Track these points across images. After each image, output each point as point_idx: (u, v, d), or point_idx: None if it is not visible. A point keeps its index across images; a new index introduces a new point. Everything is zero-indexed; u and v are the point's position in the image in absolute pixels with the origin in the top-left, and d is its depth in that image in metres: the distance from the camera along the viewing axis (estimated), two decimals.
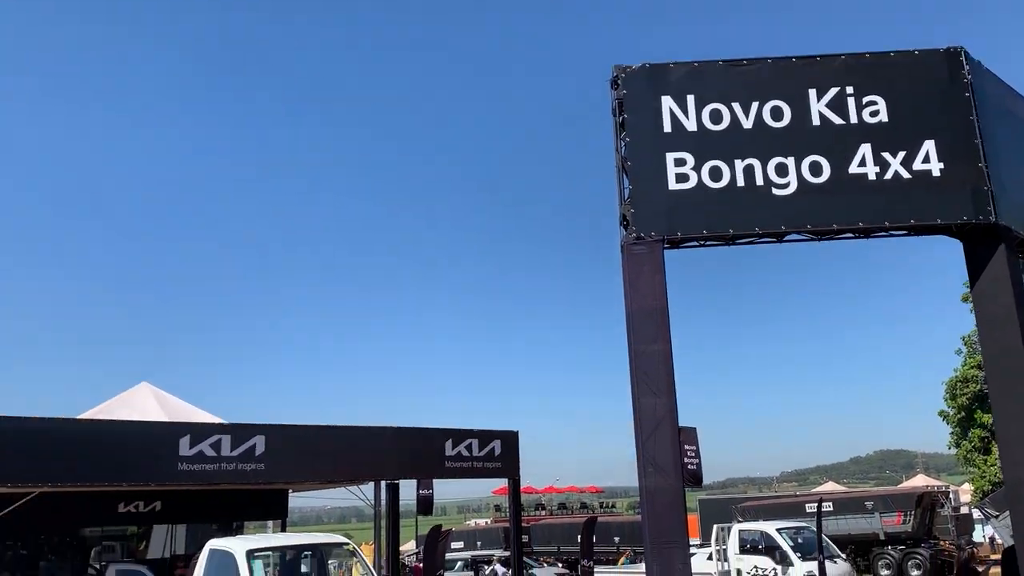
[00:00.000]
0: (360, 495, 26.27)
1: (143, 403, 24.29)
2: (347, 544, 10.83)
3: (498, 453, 27.68)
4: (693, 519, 46.52)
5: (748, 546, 16.55)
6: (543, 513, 54.51)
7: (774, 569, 15.81)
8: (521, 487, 49.29)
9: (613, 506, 59.03)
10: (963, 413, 39.86)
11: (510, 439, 28.20)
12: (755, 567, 16.06)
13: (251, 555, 9.75)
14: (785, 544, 15.76)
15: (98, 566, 24.25)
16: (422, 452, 26.25)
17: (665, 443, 7.48)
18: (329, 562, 11.59)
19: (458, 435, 27.00)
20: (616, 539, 42.80)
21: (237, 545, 9.86)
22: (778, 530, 16.31)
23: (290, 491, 27.30)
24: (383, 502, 26.18)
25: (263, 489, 24.88)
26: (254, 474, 22.55)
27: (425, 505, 32.02)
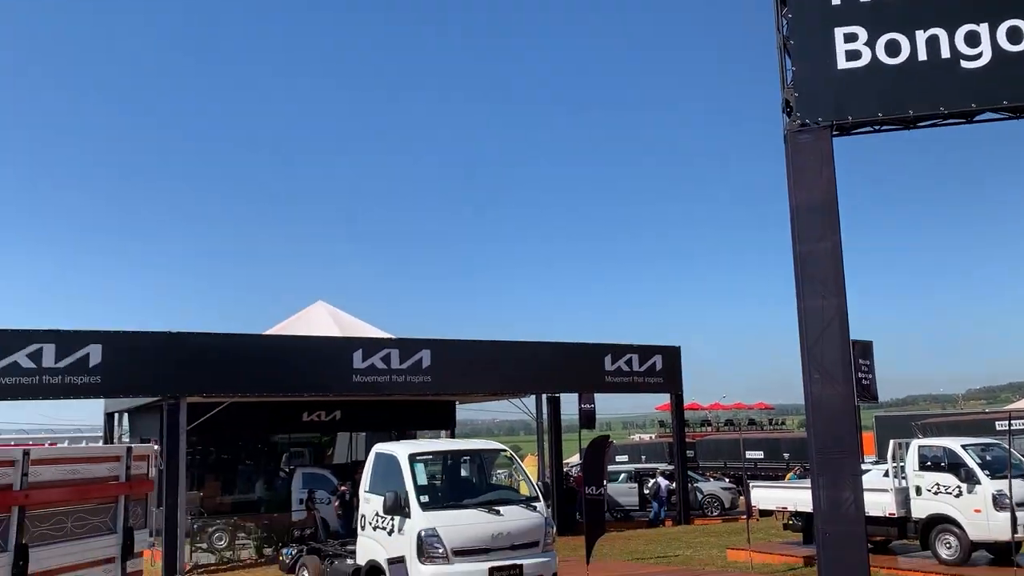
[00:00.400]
0: (523, 407, 26.79)
1: (319, 320, 25.53)
2: (505, 451, 10.87)
3: (659, 368, 27.34)
4: (868, 437, 44.39)
5: (929, 463, 15.41)
6: (709, 430, 53.91)
7: (958, 487, 14.67)
8: (686, 404, 48.70)
9: (783, 423, 57.56)
10: None
11: (671, 354, 27.76)
12: (936, 484, 14.98)
13: (413, 458, 9.96)
14: (971, 461, 14.55)
15: (288, 470, 26.08)
16: (582, 367, 26.35)
17: (834, 347, 6.78)
18: (495, 471, 11.71)
19: (618, 350, 26.87)
20: (786, 455, 41.73)
21: (400, 449, 10.08)
22: (964, 446, 15.07)
23: (456, 403, 28.17)
24: (544, 415, 26.62)
25: (431, 400, 25.80)
26: (421, 385, 23.51)
27: (587, 419, 32.15)
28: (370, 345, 22.99)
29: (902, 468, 15.97)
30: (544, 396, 26.03)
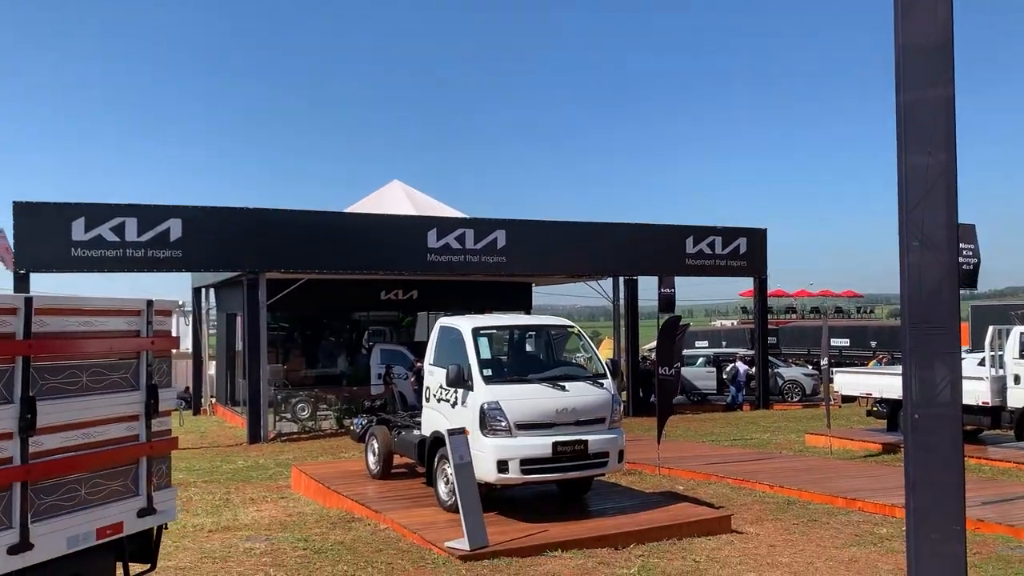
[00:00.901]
0: (600, 290, 26.29)
1: (394, 199, 25.27)
2: (572, 328, 10.41)
3: (743, 251, 26.29)
4: (963, 327, 42.61)
5: None
6: (792, 317, 52.60)
7: None
8: (770, 290, 47.58)
9: (871, 311, 55.69)
10: None
11: (756, 237, 26.61)
12: None
13: (477, 332, 9.61)
14: None
15: (368, 346, 26.52)
16: (662, 249, 25.53)
17: (938, 211, 5.90)
18: (562, 350, 11.30)
19: (700, 232, 25.87)
20: (872, 343, 40.49)
21: (464, 323, 9.73)
22: None
23: (533, 285, 27.86)
24: (622, 298, 26.07)
25: (507, 281, 25.52)
26: (496, 266, 23.19)
27: (667, 303, 31.46)
28: (444, 224, 22.65)
29: (999, 357, 14.96)
30: (621, 279, 25.43)
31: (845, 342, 41.71)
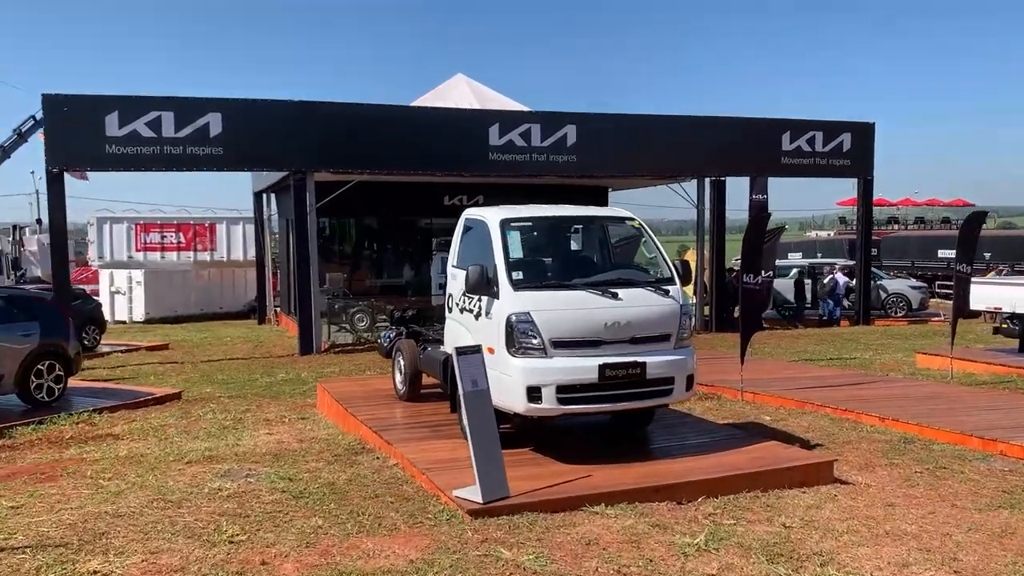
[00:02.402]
0: (684, 195, 23.59)
1: (458, 94, 22.97)
2: (630, 219, 8.13)
3: (847, 149, 23.08)
4: None
5: None
6: (896, 227, 48.38)
7: None
8: (873, 197, 43.31)
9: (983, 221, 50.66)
10: None
11: (863, 133, 23.26)
12: None
13: (507, 224, 7.51)
14: None
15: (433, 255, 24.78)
16: (754, 146, 22.52)
17: None
18: (626, 254, 9.04)
19: (798, 127, 22.69)
20: (986, 255, 36.47)
21: (491, 214, 7.63)
22: None
23: (609, 190, 25.37)
24: (707, 203, 23.33)
25: (581, 185, 23.06)
26: (565, 166, 20.75)
27: (758, 210, 28.48)
28: (508, 119, 20.28)
29: None
30: (707, 180, 22.66)
31: (954, 254, 37.70)
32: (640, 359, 7.16)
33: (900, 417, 9.39)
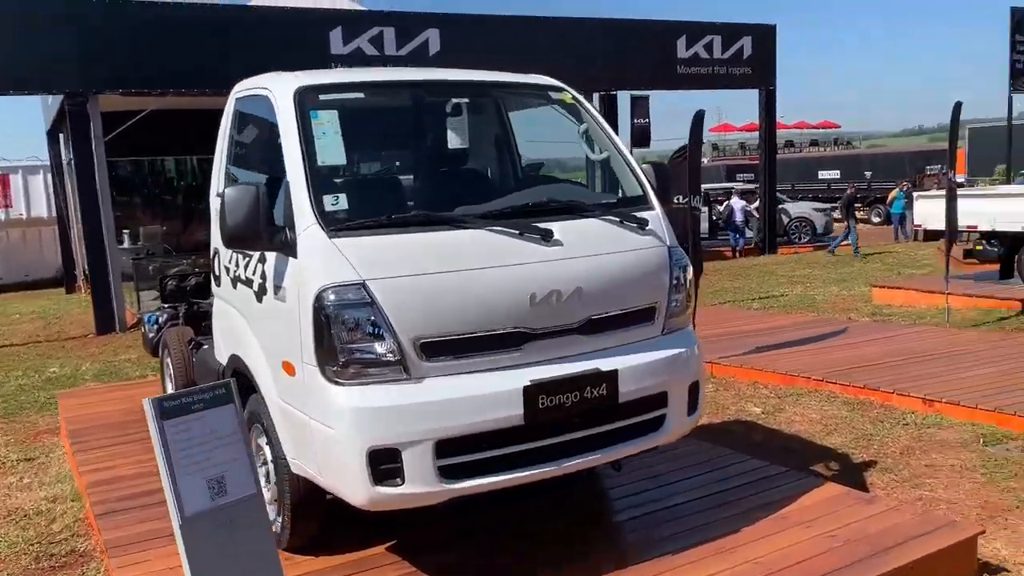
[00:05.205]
0: (566, 114, 19.87)
1: None
2: (558, 91, 4.25)
3: (748, 55, 19.90)
4: (959, 153, 37.13)
5: None
6: (791, 150, 46.23)
7: None
8: (741, 124, 40.74)
9: (849, 143, 49.71)
10: None
11: (764, 36, 20.12)
12: None
13: (310, 100, 3.44)
14: None
15: None
16: (647, 54, 18.97)
17: None
18: (563, 159, 5.14)
19: (694, 30, 19.30)
20: (867, 174, 34.83)
21: (281, 84, 3.41)
22: None
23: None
24: None
25: None
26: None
27: (641, 136, 25.02)
28: (353, 20, 15.83)
29: None
30: (596, 95, 18.97)
31: (835, 174, 36.01)
32: (605, 364, 3.37)
33: (953, 397, 6.07)
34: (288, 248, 3.28)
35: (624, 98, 20.46)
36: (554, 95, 4.22)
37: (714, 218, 23.42)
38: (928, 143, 58.13)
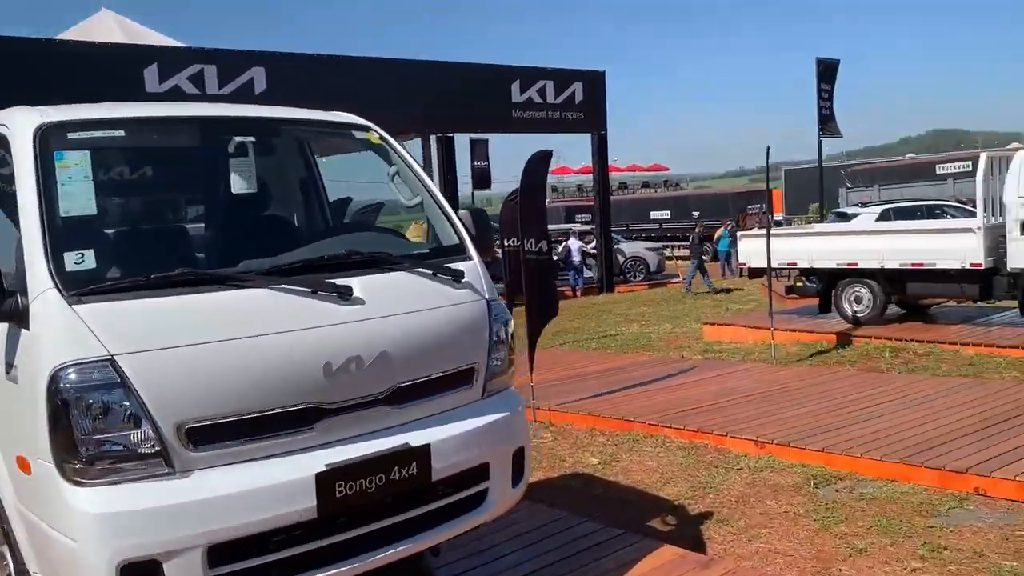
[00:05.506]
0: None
1: (105, 31, 16.93)
2: (363, 131, 3.84)
3: (579, 100, 20.40)
4: (776, 193, 39.85)
5: None
6: (624, 192, 47.80)
7: None
8: (577, 166, 41.80)
9: (677, 185, 52.39)
10: None
11: (594, 82, 20.70)
12: None
13: (55, 139, 2.79)
14: None
15: None
16: (483, 97, 19.07)
17: None
18: (369, 208, 4.67)
19: (528, 75, 19.58)
20: (695, 213, 36.62)
21: (20, 119, 2.77)
22: None
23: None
24: (435, 164, 19.61)
25: None
26: None
27: (481, 179, 25.22)
28: (171, 58, 14.90)
29: (995, 200, 10.09)
30: (433, 138, 18.82)
31: (666, 214, 37.65)
32: (416, 438, 2.95)
33: (783, 438, 6.07)
34: (20, 317, 2.66)
35: (463, 140, 20.48)
36: (358, 134, 3.82)
37: (555, 259, 23.69)
38: (749, 184, 62.38)
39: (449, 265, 3.33)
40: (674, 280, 23.13)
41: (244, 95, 15.11)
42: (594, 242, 22.26)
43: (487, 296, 3.39)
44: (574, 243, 22.31)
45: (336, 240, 3.49)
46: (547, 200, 48.53)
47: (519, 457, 3.39)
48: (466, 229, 3.61)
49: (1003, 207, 9.80)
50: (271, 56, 15.87)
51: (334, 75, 16.34)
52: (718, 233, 24.49)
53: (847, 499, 5.04)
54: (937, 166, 28.56)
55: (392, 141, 3.88)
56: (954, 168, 27.89)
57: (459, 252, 3.48)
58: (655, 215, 38.05)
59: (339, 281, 2.95)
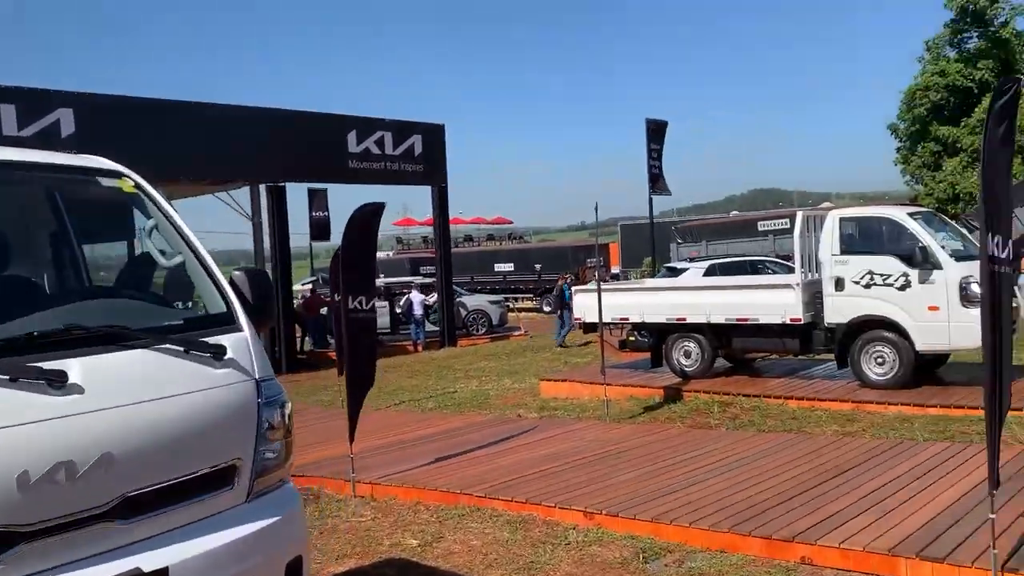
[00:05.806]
0: (234, 203, 18.48)
1: None
2: (117, 176, 3.23)
3: (419, 152, 20.12)
4: (613, 247, 41.13)
5: (858, 242, 9.98)
6: (469, 244, 47.74)
7: (904, 276, 9.37)
8: (422, 219, 41.42)
9: (522, 238, 53.18)
10: (917, 126, 34.48)
11: (433, 134, 20.50)
12: (869, 274, 9.57)
13: None
14: (927, 235, 9.24)
15: None
16: (317, 146, 18.37)
17: None
18: (112, 265, 4.00)
19: (365, 125, 19.11)
20: (537, 266, 37.06)
21: None
22: (911, 215, 9.75)
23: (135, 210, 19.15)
24: (264, 214, 18.64)
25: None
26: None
27: (320, 230, 24.29)
28: None
29: (810, 257, 10.51)
30: (263, 187, 17.91)
31: (510, 266, 37.92)
32: (150, 560, 2.34)
33: (612, 508, 5.77)
34: None
35: (300, 190, 19.67)
36: (105, 181, 3.21)
37: (397, 311, 23.05)
38: (589, 237, 64.28)
39: (208, 340, 2.76)
40: (516, 333, 23.07)
41: (50, 138, 13.70)
42: (435, 295, 21.85)
43: (257, 376, 2.85)
44: (416, 296, 21.79)
45: (62, 310, 2.82)
46: (392, 252, 48.03)
47: (294, 570, 2.82)
48: (239, 295, 3.06)
49: (819, 264, 10.22)
50: (81, 97, 14.57)
51: (150, 119, 15.21)
52: (559, 285, 24.73)
53: (676, 575, 4.76)
54: (759, 223, 30.39)
55: (150, 190, 3.29)
56: (774, 225, 29.72)
57: (226, 322, 2.92)
58: (499, 267, 38.25)
59: (50, 365, 2.32)
